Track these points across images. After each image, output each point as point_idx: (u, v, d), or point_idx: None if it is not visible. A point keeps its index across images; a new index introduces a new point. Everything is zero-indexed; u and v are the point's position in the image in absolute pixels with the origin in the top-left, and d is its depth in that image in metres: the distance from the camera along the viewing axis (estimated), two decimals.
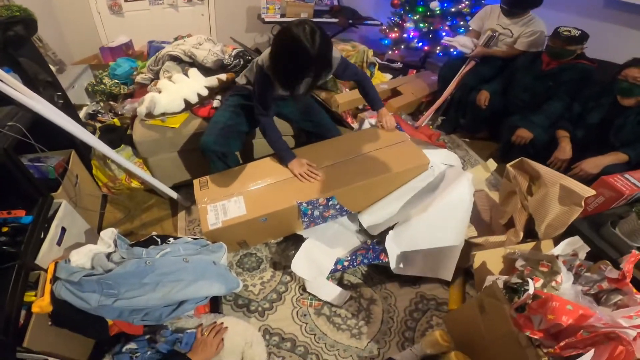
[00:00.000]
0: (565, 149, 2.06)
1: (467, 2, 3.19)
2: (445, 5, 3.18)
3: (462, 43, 2.86)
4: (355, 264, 1.68)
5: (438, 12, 3.23)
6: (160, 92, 1.91)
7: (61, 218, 1.48)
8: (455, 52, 3.02)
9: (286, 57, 1.38)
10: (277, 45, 1.39)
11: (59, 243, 1.42)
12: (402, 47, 3.62)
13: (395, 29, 3.58)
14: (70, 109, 2.16)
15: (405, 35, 3.48)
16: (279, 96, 1.76)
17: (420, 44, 3.42)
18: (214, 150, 1.77)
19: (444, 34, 3.17)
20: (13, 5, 2.35)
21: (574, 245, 1.42)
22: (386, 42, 3.69)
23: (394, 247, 1.67)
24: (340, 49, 3.05)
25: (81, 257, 1.24)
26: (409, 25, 3.38)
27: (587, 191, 1.48)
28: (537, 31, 2.55)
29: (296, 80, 1.46)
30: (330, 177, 1.75)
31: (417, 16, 3.32)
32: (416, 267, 1.70)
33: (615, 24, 2.52)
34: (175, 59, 2.19)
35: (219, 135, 1.77)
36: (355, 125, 2.67)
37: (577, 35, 2.20)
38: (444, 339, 1.38)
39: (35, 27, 1.83)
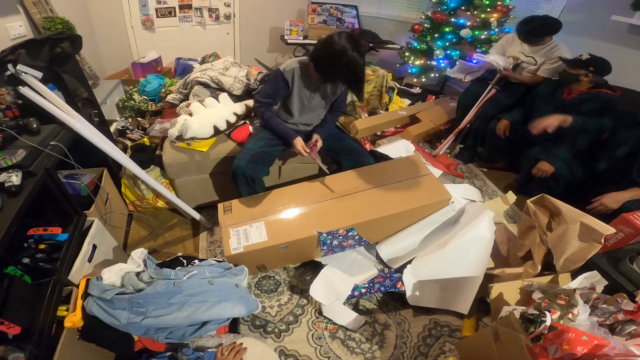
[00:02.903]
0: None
1: (497, 30, 3.17)
2: (476, 32, 3.16)
3: (494, 59, 2.74)
4: (372, 290, 1.70)
5: (469, 39, 3.21)
6: (191, 114, 1.97)
7: (93, 235, 1.53)
8: (481, 75, 2.92)
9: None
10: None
11: (89, 260, 1.48)
12: (432, 75, 3.58)
13: (421, 56, 3.56)
14: (105, 127, 2.22)
15: (434, 63, 3.46)
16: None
17: None
18: (245, 174, 1.83)
19: (474, 61, 3.12)
20: (56, 17, 2.46)
21: (592, 279, 1.44)
22: (413, 70, 3.66)
23: (411, 279, 1.68)
24: None
25: (113, 275, 1.30)
26: (438, 52, 3.36)
27: (607, 229, 1.49)
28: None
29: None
30: (352, 208, 1.79)
31: (447, 43, 3.31)
32: (433, 298, 1.72)
33: None
34: (203, 84, 2.25)
35: (249, 160, 1.84)
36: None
37: (582, 58, 2.13)
38: None
39: (80, 44, 1.85)
